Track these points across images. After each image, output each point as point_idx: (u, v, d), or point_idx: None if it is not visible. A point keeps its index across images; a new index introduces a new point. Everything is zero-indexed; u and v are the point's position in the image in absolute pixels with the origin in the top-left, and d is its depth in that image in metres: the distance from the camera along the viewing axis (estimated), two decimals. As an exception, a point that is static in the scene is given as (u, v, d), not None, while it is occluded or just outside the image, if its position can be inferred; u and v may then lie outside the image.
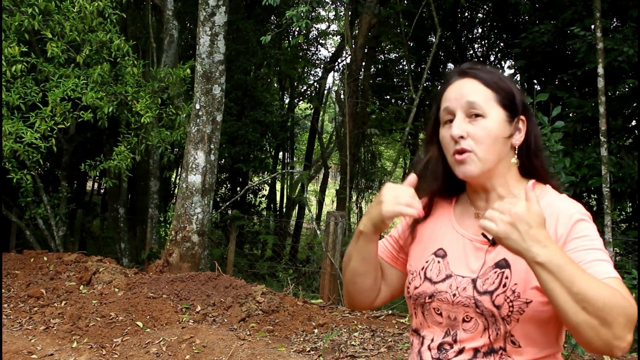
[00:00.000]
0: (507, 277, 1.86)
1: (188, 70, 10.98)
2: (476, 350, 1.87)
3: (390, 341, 7.01)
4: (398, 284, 2.22)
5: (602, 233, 9.11)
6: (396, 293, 2.25)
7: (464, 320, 1.89)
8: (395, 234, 2.25)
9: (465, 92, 1.95)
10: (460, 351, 1.89)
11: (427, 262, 2.05)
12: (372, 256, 2.09)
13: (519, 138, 2.00)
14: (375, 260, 2.11)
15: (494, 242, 1.92)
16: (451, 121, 1.97)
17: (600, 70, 9.44)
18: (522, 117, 2.00)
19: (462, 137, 1.92)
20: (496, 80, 1.97)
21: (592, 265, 1.74)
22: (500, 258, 1.90)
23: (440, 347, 1.94)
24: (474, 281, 1.91)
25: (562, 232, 1.84)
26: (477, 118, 1.93)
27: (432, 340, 1.97)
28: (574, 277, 1.63)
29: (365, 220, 2.01)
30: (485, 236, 1.96)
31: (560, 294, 1.64)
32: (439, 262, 2.02)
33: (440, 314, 1.95)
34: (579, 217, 1.87)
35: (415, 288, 2.03)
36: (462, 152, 1.93)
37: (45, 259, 9.51)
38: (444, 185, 2.10)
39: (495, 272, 1.88)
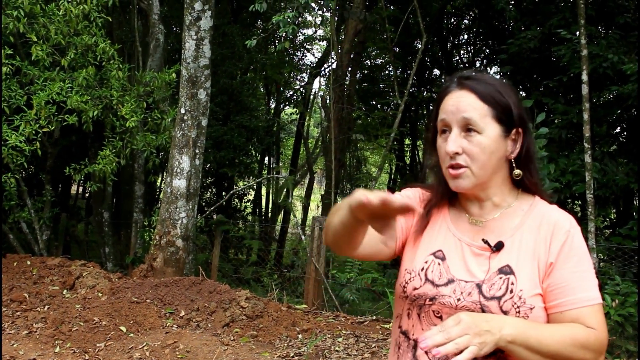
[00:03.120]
0: (512, 283, 1.89)
1: (173, 75, 10.96)
2: None
3: (374, 347, 7.01)
4: (383, 247, 2.13)
5: (585, 239, 9.17)
6: (375, 254, 2.14)
7: None
8: (413, 200, 2.19)
9: (462, 107, 1.94)
10: (459, 353, 1.89)
11: (426, 262, 2.05)
12: (348, 224, 1.93)
13: (514, 150, 2.01)
14: (352, 229, 1.95)
15: (496, 249, 1.96)
16: (446, 132, 1.98)
17: (585, 76, 9.48)
18: (519, 129, 2.00)
19: (457, 153, 1.93)
20: (493, 94, 1.95)
21: (574, 291, 1.88)
22: (504, 264, 1.94)
23: None
24: (479, 286, 1.92)
25: (556, 247, 1.92)
26: (472, 133, 1.93)
27: None
28: (539, 338, 1.80)
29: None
30: (487, 242, 1.98)
31: (532, 357, 1.81)
32: (439, 264, 2.03)
33: (440, 317, 1.96)
34: (572, 232, 1.95)
35: (415, 289, 2.03)
36: (457, 167, 1.95)
37: (29, 263, 9.46)
38: (445, 189, 2.10)
39: (501, 278, 1.91)
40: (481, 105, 1.94)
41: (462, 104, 1.95)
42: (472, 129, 1.93)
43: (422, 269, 2.04)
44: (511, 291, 1.87)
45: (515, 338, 1.76)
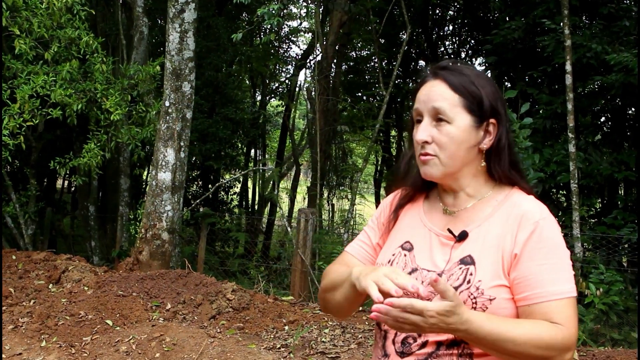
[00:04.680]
0: (471, 274, 1.88)
1: (158, 67, 10.91)
2: (439, 343, 1.89)
3: (361, 337, 7.03)
4: None
5: (570, 229, 9.22)
6: None
7: None
8: (371, 235, 2.28)
9: (433, 97, 1.95)
10: (424, 344, 1.91)
11: (393, 255, 2.08)
12: (350, 298, 2.09)
13: (487, 142, 2.01)
14: (356, 300, 2.10)
15: (460, 239, 1.96)
16: (420, 122, 1.99)
17: (568, 67, 9.52)
18: (492, 120, 2.00)
19: (426, 142, 1.95)
20: (466, 84, 1.96)
21: (541, 284, 1.85)
22: (466, 254, 1.93)
23: (404, 340, 1.96)
24: (439, 276, 1.90)
25: (522, 238, 1.89)
26: (442, 123, 1.94)
27: (396, 334, 1.98)
28: (498, 341, 1.77)
29: (358, 274, 1.95)
30: (451, 232, 1.99)
31: (493, 353, 1.81)
32: (405, 255, 2.05)
33: None
34: (541, 222, 1.91)
35: None
36: (425, 155, 1.96)
37: (14, 257, 9.42)
38: (420, 178, 2.11)
39: (460, 268, 1.91)
40: (452, 94, 1.95)
41: (432, 93, 1.96)
42: (442, 118, 1.94)
43: (389, 261, 2.07)
44: (468, 282, 1.87)
45: (471, 336, 1.77)
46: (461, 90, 1.95)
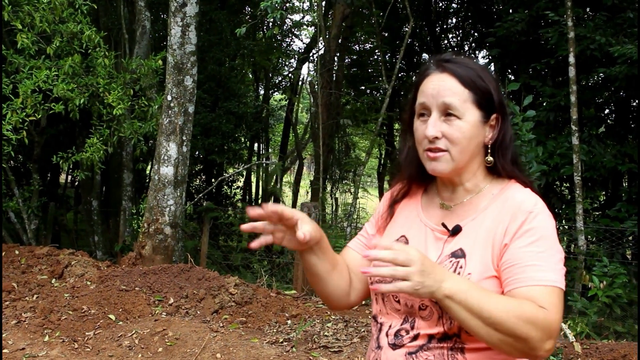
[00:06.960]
0: (461, 267, 1.89)
1: (160, 62, 10.88)
2: (430, 337, 1.90)
3: (363, 331, 7.03)
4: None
5: (574, 221, 9.21)
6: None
7: (420, 308, 1.91)
8: (370, 230, 2.29)
9: (443, 92, 1.92)
10: (415, 337, 1.92)
11: None
12: (311, 268, 2.09)
13: (491, 136, 2.00)
14: (321, 270, 2.09)
15: (453, 233, 1.97)
16: (424, 115, 1.97)
17: (572, 59, 9.49)
18: (496, 115, 1.99)
19: (436, 137, 1.92)
20: (474, 78, 1.94)
21: (526, 270, 1.81)
22: (457, 248, 1.94)
23: (397, 333, 1.97)
24: None
25: (512, 228, 1.88)
26: (452, 118, 1.92)
27: (390, 327, 2.00)
28: (481, 301, 1.72)
29: None
30: (445, 226, 1.99)
31: (471, 321, 1.73)
32: None
33: (399, 301, 1.98)
34: (533, 212, 1.89)
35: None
36: (436, 150, 1.94)
37: (17, 252, 9.44)
38: (418, 172, 2.11)
39: (451, 262, 1.91)
40: (462, 89, 1.92)
41: (442, 88, 1.93)
42: (452, 113, 1.92)
43: None
44: (458, 274, 1.85)
45: (454, 294, 1.70)
46: (470, 85, 1.93)
